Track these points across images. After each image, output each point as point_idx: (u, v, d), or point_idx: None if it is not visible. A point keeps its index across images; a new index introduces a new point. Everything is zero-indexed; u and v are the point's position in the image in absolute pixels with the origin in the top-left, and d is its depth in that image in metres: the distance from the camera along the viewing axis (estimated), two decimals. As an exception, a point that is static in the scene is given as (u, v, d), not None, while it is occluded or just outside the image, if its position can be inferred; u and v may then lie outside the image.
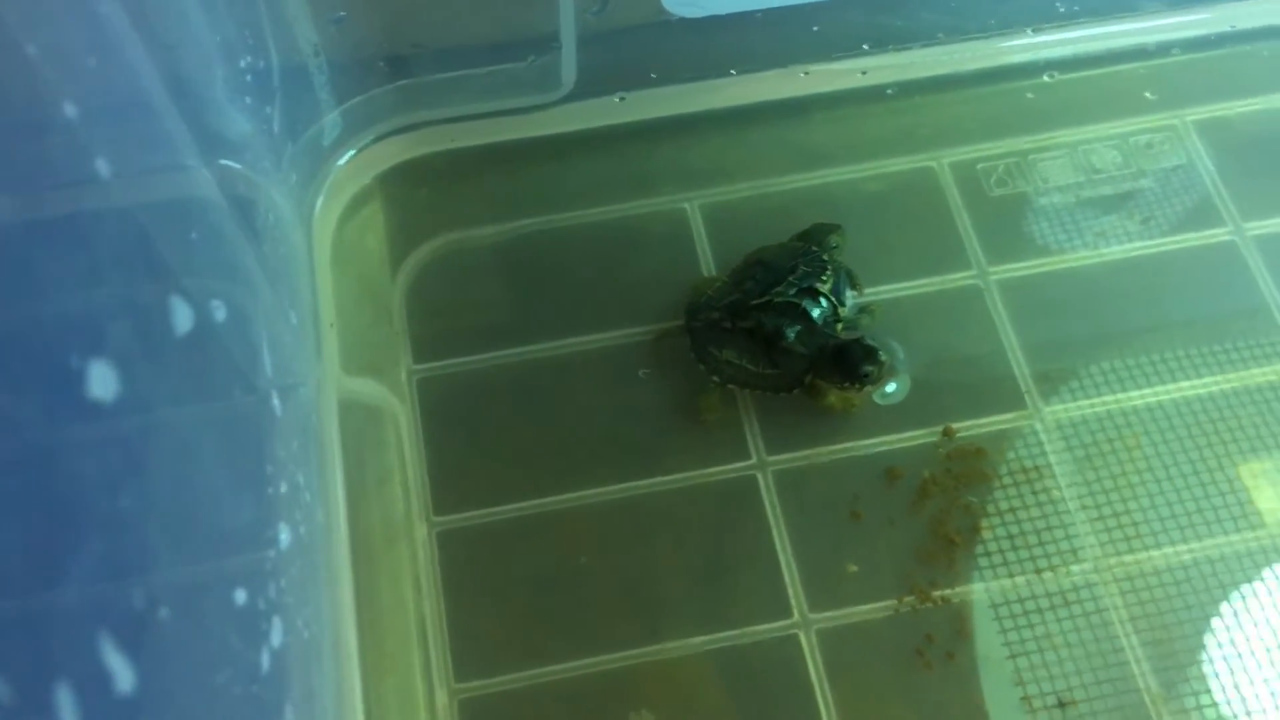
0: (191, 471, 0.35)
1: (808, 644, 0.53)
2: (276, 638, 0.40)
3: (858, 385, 0.56)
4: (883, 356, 0.56)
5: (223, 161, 0.48)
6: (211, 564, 0.36)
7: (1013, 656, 0.52)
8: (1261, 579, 0.54)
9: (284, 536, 0.43)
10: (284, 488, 0.45)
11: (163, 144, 0.40)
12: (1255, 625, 0.53)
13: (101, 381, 0.28)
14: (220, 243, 0.44)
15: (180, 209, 0.40)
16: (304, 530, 0.47)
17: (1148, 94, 0.67)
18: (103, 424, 0.28)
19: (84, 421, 0.28)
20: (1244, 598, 0.54)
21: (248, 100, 0.52)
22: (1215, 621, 0.53)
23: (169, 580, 0.32)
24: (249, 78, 0.52)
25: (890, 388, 0.58)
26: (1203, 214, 0.64)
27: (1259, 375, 0.59)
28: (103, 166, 0.32)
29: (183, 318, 0.36)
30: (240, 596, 0.37)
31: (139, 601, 0.29)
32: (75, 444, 0.27)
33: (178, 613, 0.31)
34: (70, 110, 0.30)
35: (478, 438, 0.58)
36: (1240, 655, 0.53)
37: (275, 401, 0.46)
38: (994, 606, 0.54)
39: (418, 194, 0.65)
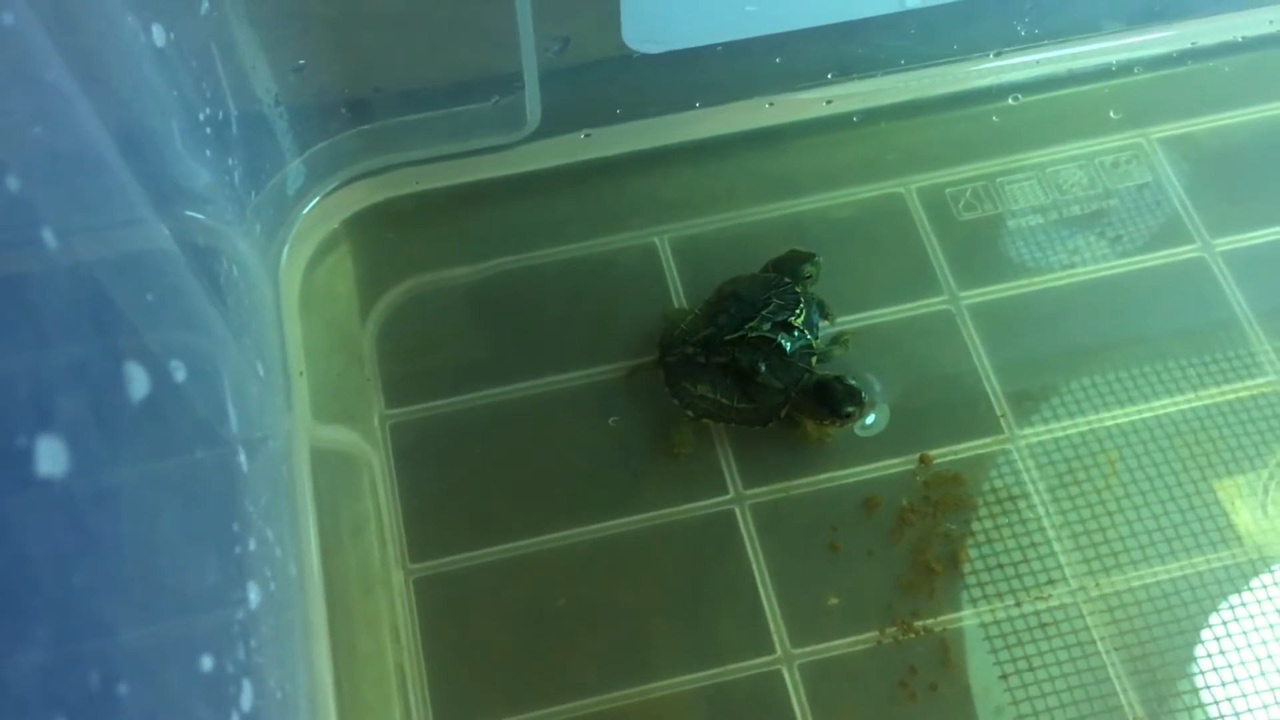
0: (150, 538, 0.34)
1: (791, 679, 0.53)
2: (247, 701, 0.39)
3: (839, 422, 0.56)
4: (865, 397, 0.56)
5: (183, 215, 0.48)
6: (174, 633, 0.35)
7: (1000, 686, 0.52)
8: (1242, 598, 0.54)
9: (254, 595, 0.43)
10: (253, 545, 0.44)
11: (117, 202, 0.39)
12: (1236, 644, 0.53)
13: (50, 458, 0.27)
14: (180, 299, 0.43)
15: (136, 267, 0.39)
16: (275, 587, 0.46)
17: (1112, 113, 0.68)
18: (52, 498, 0.28)
19: (32, 498, 0.27)
20: (1225, 617, 0.53)
21: (208, 152, 0.52)
22: (1197, 641, 0.53)
23: (127, 654, 0.31)
24: (208, 129, 0.52)
25: (869, 419, 0.58)
26: (1171, 231, 0.64)
27: (1233, 391, 0.59)
28: (49, 230, 0.32)
29: (139, 383, 0.35)
30: (207, 662, 0.37)
31: (94, 680, 0.28)
32: (22, 522, 0.26)
33: (138, 687, 0.31)
34: (13, 181, 0.30)
35: (453, 482, 0.58)
36: (1222, 675, 0.52)
37: (242, 457, 0.46)
38: (976, 635, 0.53)
39: (385, 238, 0.64)
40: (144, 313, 0.38)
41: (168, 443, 0.38)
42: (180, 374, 0.39)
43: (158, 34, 0.47)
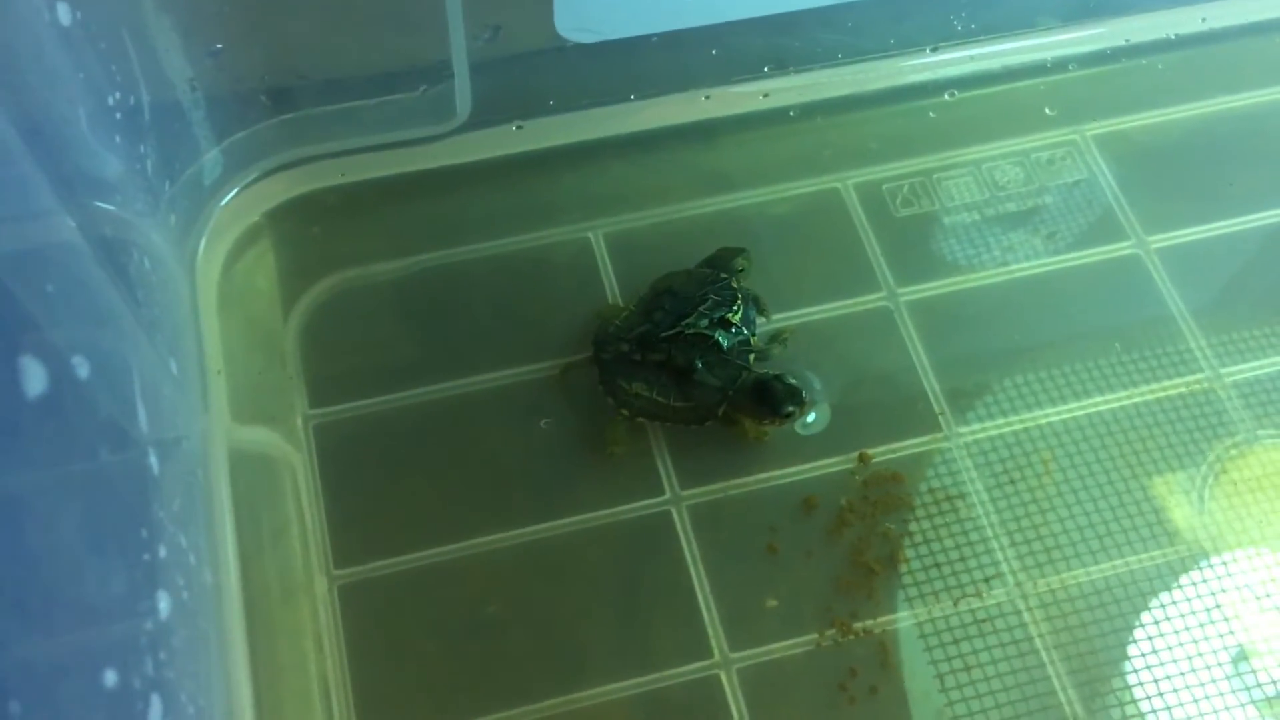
0: (47, 545, 0.32)
1: (729, 684, 0.51)
2: (156, 717, 0.37)
3: (778, 421, 0.55)
4: (805, 396, 0.55)
5: (89, 205, 0.45)
6: (74, 646, 0.33)
7: (937, 686, 0.51)
8: (1178, 594, 0.54)
9: (164, 605, 0.40)
10: (163, 551, 0.42)
11: (13, 189, 0.37)
12: (1173, 641, 0.53)
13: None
14: (84, 292, 0.41)
15: (33, 259, 0.37)
16: (188, 595, 0.44)
17: (1047, 109, 0.68)
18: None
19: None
20: (1161, 614, 0.53)
21: (117, 139, 0.49)
22: (1134, 639, 0.53)
23: (21, 669, 0.29)
24: (118, 115, 0.50)
25: (810, 417, 0.57)
26: (1106, 228, 0.64)
27: (1167, 388, 0.59)
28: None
29: (35, 378, 0.33)
30: (111, 677, 0.34)
31: (-20, 699, 0.26)
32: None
33: (33, 705, 0.29)
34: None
35: (379, 484, 0.56)
36: (1155, 672, 0.52)
37: (152, 459, 0.43)
38: (916, 636, 0.53)
39: (308, 232, 0.62)
40: (42, 305, 0.36)
41: (68, 443, 0.36)
42: (83, 370, 0.37)
43: (63, 12, 0.45)
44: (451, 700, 0.51)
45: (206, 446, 0.54)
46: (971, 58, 0.69)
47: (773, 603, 0.53)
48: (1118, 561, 0.54)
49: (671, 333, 0.56)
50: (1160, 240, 0.63)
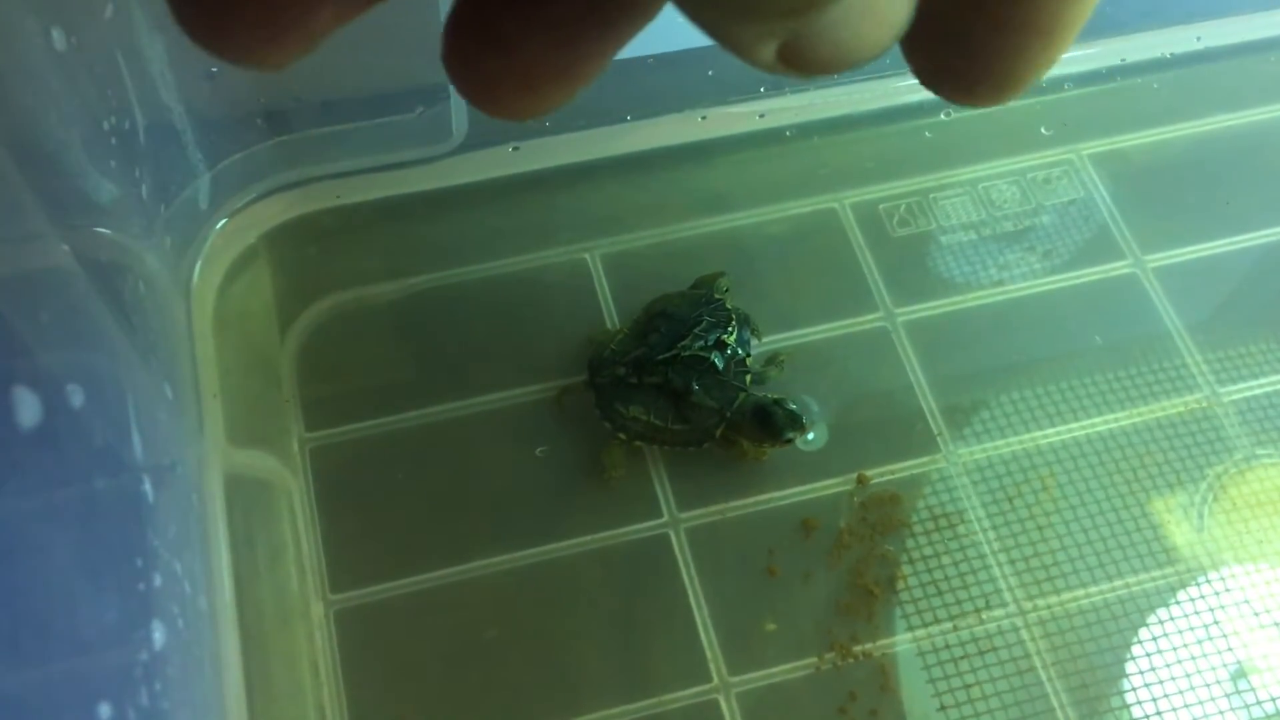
0: (39, 577, 0.32)
1: (728, 709, 0.51)
2: (150, 749, 0.37)
3: (779, 444, 0.55)
4: (806, 421, 0.55)
5: (84, 229, 0.45)
6: (67, 679, 0.33)
7: (936, 707, 0.51)
8: (1176, 614, 0.54)
9: (159, 635, 0.40)
10: (159, 580, 0.42)
11: (9, 214, 0.37)
12: (1172, 659, 0.53)
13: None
14: (79, 318, 0.40)
15: (29, 285, 0.37)
16: (183, 624, 0.43)
17: (1043, 129, 0.68)
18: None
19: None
20: (1160, 635, 0.53)
21: (112, 163, 0.49)
22: (1133, 660, 0.53)
23: (11, 704, 0.28)
24: (114, 139, 0.49)
25: (809, 436, 0.57)
26: (1103, 246, 0.64)
27: (1165, 407, 0.59)
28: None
29: (29, 410, 0.33)
30: (105, 711, 0.34)
31: (-29, 737, 0.26)
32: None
33: (24, 741, 0.28)
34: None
35: (376, 507, 0.56)
36: (1152, 692, 0.52)
37: (147, 485, 0.43)
38: (916, 657, 0.52)
39: (305, 253, 0.62)
40: (37, 333, 0.36)
41: (62, 471, 0.35)
42: (78, 398, 0.37)
43: (58, 38, 0.45)
44: (449, 726, 0.51)
45: (202, 471, 0.53)
46: (967, 77, 0.69)
47: (772, 626, 0.53)
48: (1117, 581, 0.54)
49: (668, 355, 0.56)
50: (1157, 259, 0.63)
